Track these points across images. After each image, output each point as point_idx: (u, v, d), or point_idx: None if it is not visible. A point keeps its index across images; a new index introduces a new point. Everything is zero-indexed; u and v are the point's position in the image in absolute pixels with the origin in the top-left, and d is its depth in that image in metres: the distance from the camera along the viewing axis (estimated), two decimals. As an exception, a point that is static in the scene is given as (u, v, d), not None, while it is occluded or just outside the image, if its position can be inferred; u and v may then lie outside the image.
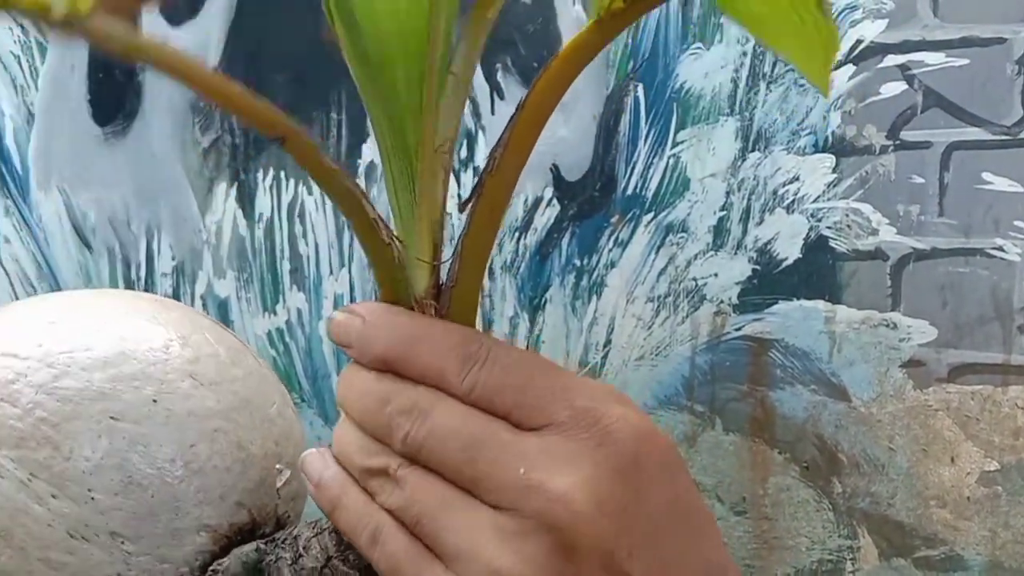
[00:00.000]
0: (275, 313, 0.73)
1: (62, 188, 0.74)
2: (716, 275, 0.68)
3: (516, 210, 0.69)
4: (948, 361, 0.66)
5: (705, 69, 0.66)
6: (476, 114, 0.69)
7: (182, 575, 0.39)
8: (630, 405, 0.30)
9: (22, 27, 0.72)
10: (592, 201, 0.69)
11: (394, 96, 0.31)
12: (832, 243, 0.66)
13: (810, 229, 0.66)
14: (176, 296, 0.74)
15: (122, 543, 0.37)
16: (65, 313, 0.40)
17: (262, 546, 0.38)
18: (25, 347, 0.38)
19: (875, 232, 0.65)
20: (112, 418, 0.37)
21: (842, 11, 0.65)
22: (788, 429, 0.68)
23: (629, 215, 0.69)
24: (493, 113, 0.69)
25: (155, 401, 0.38)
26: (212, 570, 0.38)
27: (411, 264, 0.32)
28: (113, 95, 0.73)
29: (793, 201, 0.66)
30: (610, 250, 0.69)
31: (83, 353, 0.38)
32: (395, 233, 0.32)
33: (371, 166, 0.71)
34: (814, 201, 0.66)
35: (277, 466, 0.42)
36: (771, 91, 0.66)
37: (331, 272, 0.72)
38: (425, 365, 0.30)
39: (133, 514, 0.37)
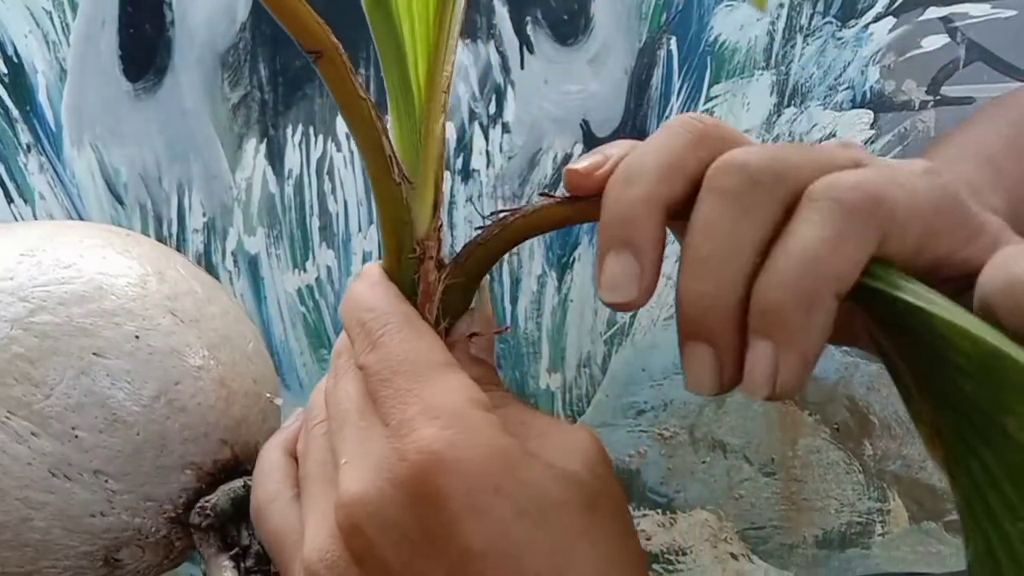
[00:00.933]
0: (305, 270, 0.73)
1: (94, 144, 0.75)
2: (748, 234, 0.67)
3: (545, 167, 0.68)
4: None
5: (740, 22, 0.65)
6: (505, 68, 0.68)
7: (165, 512, 0.38)
8: (478, 432, 0.27)
9: (53, -18, 0.73)
10: (622, 157, 0.68)
11: (406, 31, 0.30)
12: (868, 201, 0.65)
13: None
14: (207, 252, 0.74)
15: (106, 481, 0.37)
16: (37, 244, 0.39)
17: (249, 481, 0.38)
18: None
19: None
20: (94, 354, 0.36)
21: None
22: (819, 390, 0.68)
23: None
24: (523, 68, 0.68)
25: (137, 337, 0.37)
26: (199, 507, 0.38)
27: (416, 205, 0.32)
28: (143, 50, 0.73)
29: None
30: (640, 208, 0.68)
31: (59, 287, 0.37)
32: (405, 173, 0.31)
33: (400, 122, 0.70)
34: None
35: (267, 394, 0.41)
36: (808, 44, 0.64)
37: (360, 229, 0.72)
38: (349, 328, 0.32)
39: (118, 452, 0.37)
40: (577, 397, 0.72)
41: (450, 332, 0.33)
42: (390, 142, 0.31)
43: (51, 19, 0.73)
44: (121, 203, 0.75)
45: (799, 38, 0.64)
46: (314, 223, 0.73)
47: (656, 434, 0.71)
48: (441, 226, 0.32)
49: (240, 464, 0.40)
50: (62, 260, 0.38)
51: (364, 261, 0.72)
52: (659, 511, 0.71)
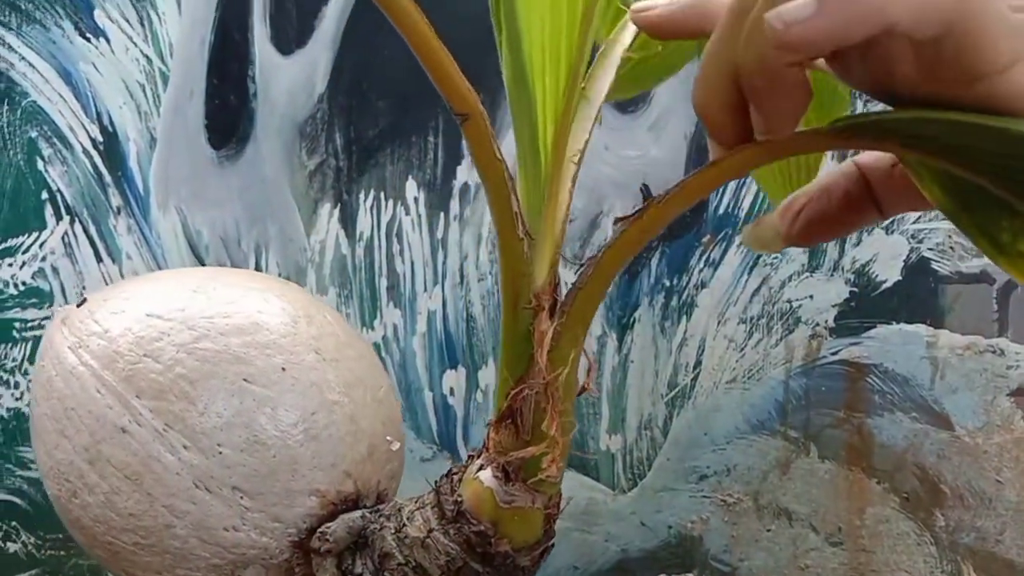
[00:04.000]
0: (372, 328, 0.76)
1: (179, 208, 0.79)
2: (811, 297, 0.67)
3: (606, 229, 0.69)
4: (1061, 391, 0.63)
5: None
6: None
7: (289, 535, 0.41)
8: None
9: (147, 58, 0.78)
10: (682, 220, 0.68)
11: (538, 103, 0.34)
12: (934, 265, 0.64)
13: (911, 251, 0.64)
14: (280, 311, 0.77)
15: (241, 498, 0.40)
16: (205, 283, 0.44)
17: (368, 514, 0.41)
18: (169, 310, 0.42)
19: (980, 254, 0.63)
20: (245, 380, 0.40)
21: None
22: (887, 458, 0.66)
23: (721, 235, 0.68)
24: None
25: (284, 369, 0.41)
26: (320, 532, 0.41)
27: (536, 259, 0.34)
28: (228, 120, 0.77)
29: (893, 222, 0.65)
30: (701, 270, 0.69)
31: (222, 320, 0.41)
32: (528, 229, 0.34)
33: (464, 187, 0.73)
34: (914, 222, 0.64)
35: (388, 437, 0.44)
36: (870, 105, 0.65)
37: (425, 289, 0.74)
38: None
39: (255, 471, 0.40)
40: (638, 460, 0.71)
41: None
42: (518, 200, 0.34)
43: (144, 91, 0.79)
44: (202, 263, 0.79)
45: (859, 99, 0.65)
46: (382, 283, 0.75)
47: (719, 500, 0.70)
48: (558, 282, 0.35)
49: (360, 498, 0.43)
50: (227, 297, 0.43)
51: (429, 320, 0.74)
52: (722, 579, 0.70)
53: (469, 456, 0.39)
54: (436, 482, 0.40)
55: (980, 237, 0.29)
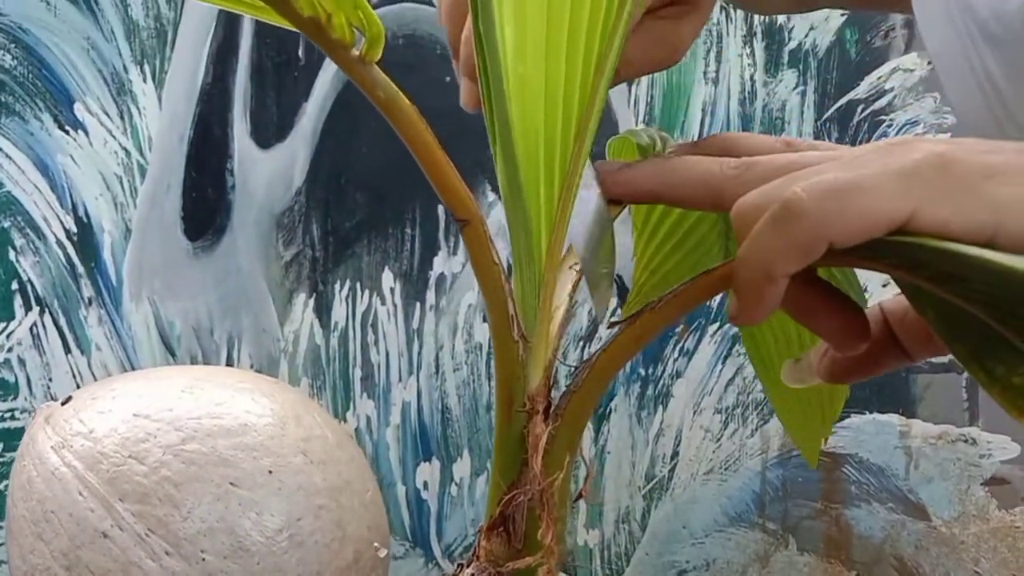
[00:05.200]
0: (345, 419, 0.75)
1: (152, 299, 0.78)
2: (785, 387, 0.67)
3: (581, 319, 0.70)
4: (1034, 479, 0.63)
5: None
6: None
7: None
8: None
9: (126, 151, 0.79)
10: (657, 311, 0.69)
11: (533, 213, 0.34)
12: (904, 355, 0.65)
13: (880, 341, 0.66)
14: (252, 403, 0.76)
15: None
16: (196, 383, 0.43)
17: None
18: (157, 410, 0.41)
19: (948, 344, 0.64)
20: (231, 483, 0.40)
21: (903, 126, 0.66)
22: (865, 549, 0.66)
23: (694, 325, 0.69)
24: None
25: (270, 472, 0.41)
26: None
27: (530, 362, 0.34)
28: (205, 212, 0.78)
29: (861, 313, 0.66)
30: (675, 360, 0.69)
31: (210, 421, 0.41)
32: (524, 332, 0.34)
33: (441, 277, 0.73)
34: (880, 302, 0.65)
35: (375, 543, 0.43)
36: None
37: (400, 379, 0.74)
38: None
39: None
40: (616, 555, 0.70)
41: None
42: (514, 303, 0.34)
43: (121, 183, 0.79)
44: (173, 354, 0.78)
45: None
46: (356, 373, 0.75)
47: (698, 595, 0.69)
48: (553, 385, 0.35)
49: (344, 606, 0.41)
50: (216, 398, 0.42)
51: (404, 411, 0.74)
52: None
53: (458, 565, 0.38)
54: None
55: (974, 365, 0.28)
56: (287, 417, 0.43)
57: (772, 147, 0.35)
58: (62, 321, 0.79)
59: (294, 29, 0.32)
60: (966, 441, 0.64)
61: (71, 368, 0.79)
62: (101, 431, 0.40)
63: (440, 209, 0.73)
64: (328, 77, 0.75)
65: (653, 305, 0.33)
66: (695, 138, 0.70)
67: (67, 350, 0.79)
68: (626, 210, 0.39)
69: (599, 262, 0.35)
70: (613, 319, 0.34)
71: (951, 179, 0.26)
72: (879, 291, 0.64)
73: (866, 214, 0.26)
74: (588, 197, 0.35)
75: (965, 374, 0.64)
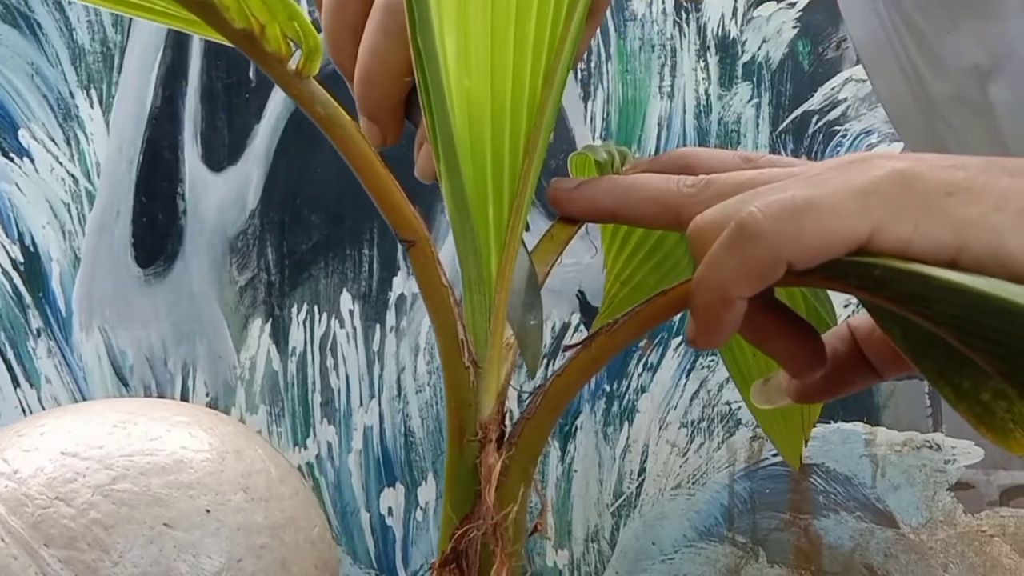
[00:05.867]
0: (305, 447, 0.73)
1: (103, 328, 0.76)
2: (749, 398, 0.67)
3: (544, 336, 0.69)
4: (999, 483, 0.63)
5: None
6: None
7: None
8: None
9: (73, 178, 0.77)
10: (620, 326, 0.69)
11: (481, 233, 0.33)
12: (866, 363, 0.65)
13: (842, 349, 0.66)
14: (209, 432, 0.74)
15: None
16: (129, 417, 0.41)
17: None
18: (86, 447, 0.39)
19: (909, 350, 0.64)
20: (165, 524, 0.38)
21: (857, 136, 0.67)
22: (835, 559, 0.65)
23: (657, 339, 0.68)
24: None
25: (208, 511, 0.39)
26: None
27: (482, 388, 0.33)
28: (156, 238, 0.76)
29: (823, 322, 0.66)
30: (640, 375, 0.69)
31: (143, 458, 0.39)
32: (475, 357, 0.33)
33: (401, 298, 0.72)
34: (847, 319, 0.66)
35: None
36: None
37: (361, 404, 0.72)
38: None
39: None
40: (586, 574, 0.69)
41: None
42: (464, 327, 0.33)
43: (69, 211, 0.77)
44: (126, 385, 0.76)
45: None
46: (316, 399, 0.73)
47: (670, 613, 0.68)
48: (506, 413, 0.33)
49: (292, 651, 0.40)
50: (150, 433, 0.40)
51: (365, 436, 0.72)
52: None
53: None
54: None
55: (941, 382, 0.28)
56: (226, 452, 0.41)
57: (731, 163, 0.34)
58: (9, 354, 0.77)
59: (229, 44, 0.31)
60: (931, 447, 0.64)
61: (20, 403, 0.77)
62: (26, 471, 0.38)
63: (398, 229, 0.72)
64: (281, 97, 0.73)
65: (608, 328, 0.32)
66: (652, 153, 0.70)
67: (16, 384, 0.77)
68: (583, 229, 0.38)
69: (527, 314, 0.34)
70: (568, 343, 0.33)
71: (912, 196, 0.25)
72: (841, 311, 0.64)
73: (824, 234, 0.25)
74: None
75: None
